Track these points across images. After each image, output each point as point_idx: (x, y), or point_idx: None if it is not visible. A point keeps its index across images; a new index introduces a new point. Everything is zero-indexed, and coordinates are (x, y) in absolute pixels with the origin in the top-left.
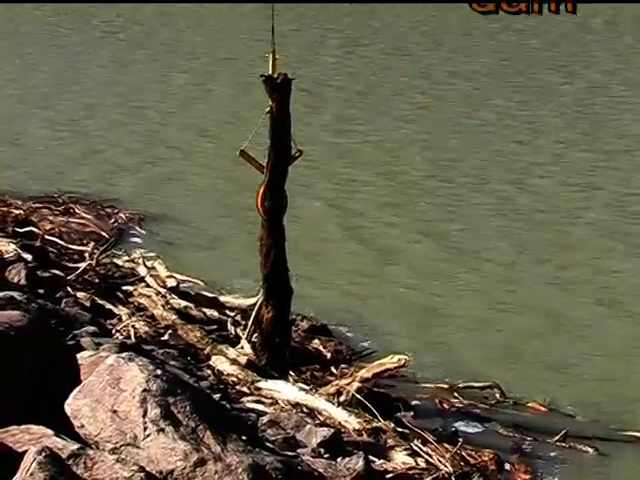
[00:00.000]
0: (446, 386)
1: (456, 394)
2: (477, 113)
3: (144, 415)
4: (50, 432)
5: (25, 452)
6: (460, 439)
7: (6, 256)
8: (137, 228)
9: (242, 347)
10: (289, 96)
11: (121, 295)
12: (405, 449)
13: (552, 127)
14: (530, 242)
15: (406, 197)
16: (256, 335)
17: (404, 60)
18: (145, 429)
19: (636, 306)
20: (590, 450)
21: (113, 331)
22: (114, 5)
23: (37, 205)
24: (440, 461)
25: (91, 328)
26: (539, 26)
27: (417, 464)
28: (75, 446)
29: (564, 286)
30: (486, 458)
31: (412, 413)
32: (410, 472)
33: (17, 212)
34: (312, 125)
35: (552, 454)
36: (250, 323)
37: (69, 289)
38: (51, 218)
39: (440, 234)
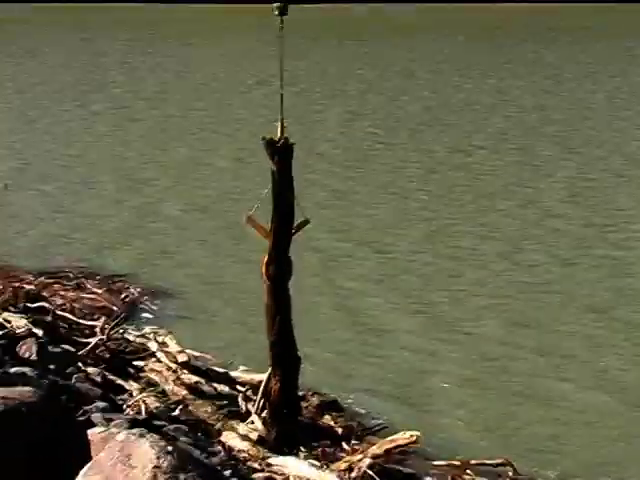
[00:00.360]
0: (458, 463)
1: (468, 471)
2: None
3: None
4: None
5: None
6: None
7: (18, 331)
8: (148, 303)
9: (253, 422)
10: (291, 160)
11: (132, 370)
12: None
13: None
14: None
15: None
16: (265, 409)
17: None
18: None
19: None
20: None
21: (124, 407)
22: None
23: (49, 280)
24: None
25: (102, 404)
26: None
27: None
28: None
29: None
30: None
31: None
32: None
33: (29, 287)
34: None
35: None
36: (259, 397)
37: (80, 364)
38: (62, 293)
39: (438, 311)
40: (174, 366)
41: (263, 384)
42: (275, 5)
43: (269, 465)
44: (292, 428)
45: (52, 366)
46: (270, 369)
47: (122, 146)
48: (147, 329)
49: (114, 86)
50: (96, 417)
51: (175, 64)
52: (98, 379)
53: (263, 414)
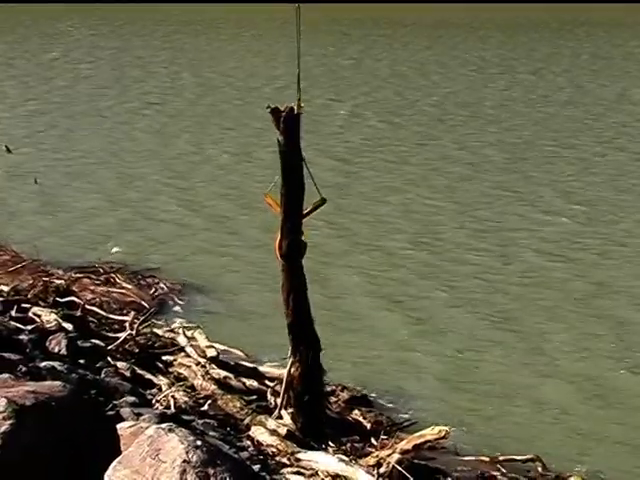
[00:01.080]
0: (487, 458)
1: (498, 466)
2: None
3: None
4: None
5: None
6: None
7: (47, 326)
8: (177, 298)
9: (282, 417)
10: (298, 130)
11: (161, 365)
12: None
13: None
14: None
15: (443, 267)
16: (291, 402)
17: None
18: None
19: None
20: None
21: (153, 401)
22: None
23: (78, 275)
24: None
25: (131, 398)
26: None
27: None
28: None
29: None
30: None
31: None
32: None
33: (58, 282)
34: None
35: None
36: (283, 389)
37: (109, 359)
38: (92, 288)
39: (480, 304)
40: (203, 361)
41: (285, 374)
42: None
43: (298, 460)
44: (318, 418)
45: (81, 360)
46: (290, 355)
47: (164, 143)
48: (176, 324)
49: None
50: (125, 411)
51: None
52: (127, 374)
53: (290, 408)
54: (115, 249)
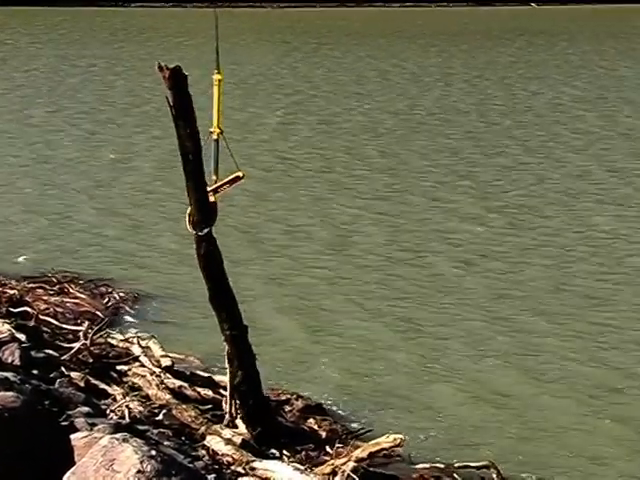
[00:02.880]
0: (442, 465)
1: (453, 474)
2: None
3: None
4: None
5: None
6: None
7: (0, 336)
8: (131, 307)
9: (237, 427)
10: (186, 87)
11: (115, 375)
12: None
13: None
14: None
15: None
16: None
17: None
18: None
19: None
20: None
21: (107, 411)
22: None
23: (31, 285)
24: None
25: (85, 408)
26: None
27: None
28: None
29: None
30: None
31: None
32: None
33: (11, 292)
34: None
35: None
36: (228, 396)
37: (63, 369)
38: (45, 298)
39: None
40: (157, 370)
41: (229, 379)
42: None
43: (253, 469)
44: (267, 426)
45: (35, 371)
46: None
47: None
48: (130, 333)
49: None
50: (79, 422)
51: None
52: (81, 384)
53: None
54: (21, 258)
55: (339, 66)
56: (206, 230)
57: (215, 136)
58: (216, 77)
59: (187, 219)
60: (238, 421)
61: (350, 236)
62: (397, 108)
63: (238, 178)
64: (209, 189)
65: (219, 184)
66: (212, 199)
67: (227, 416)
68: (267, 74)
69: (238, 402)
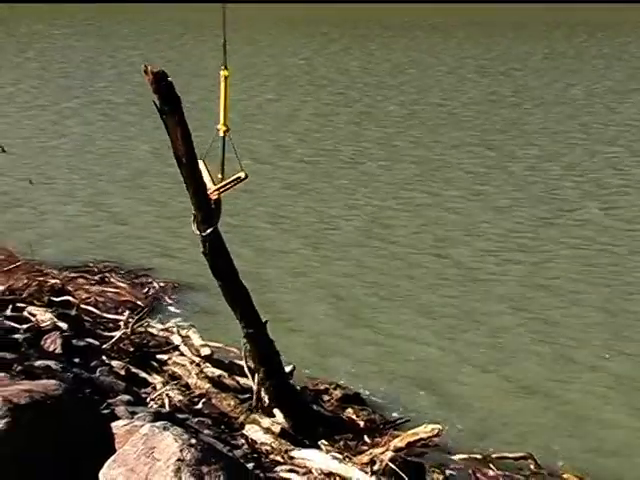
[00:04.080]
0: (479, 456)
1: (490, 464)
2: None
3: None
4: None
5: None
6: None
7: (42, 325)
8: (170, 296)
9: (274, 415)
10: (172, 91)
11: (155, 364)
12: None
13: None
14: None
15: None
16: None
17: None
18: None
19: None
20: None
21: (147, 400)
22: None
23: (73, 275)
24: None
25: (125, 397)
26: None
27: None
28: None
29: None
30: None
31: None
32: None
33: (53, 282)
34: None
35: None
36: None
37: (104, 357)
38: (87, 287)
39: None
40: (197, 359)
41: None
42: None
43: (291, 458)
44: (303, 416)
45: (76, 359)
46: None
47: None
48: (170, 323)
49: None
50: (120, 410)
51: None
52: (122, 372)
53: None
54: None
55: (376, 57)
56: (209, 230)
57: (222, 133)
58: (223, 73)
59: (193, 220)
60: (276, 410)
61: (380, 226)
62: (431, 100)
63: (240, 179)
64: (213, 189)
65: (220, 185)
66: (215, 196)
67: (254, 404)
68: (301, 65)
69: (266, 395)
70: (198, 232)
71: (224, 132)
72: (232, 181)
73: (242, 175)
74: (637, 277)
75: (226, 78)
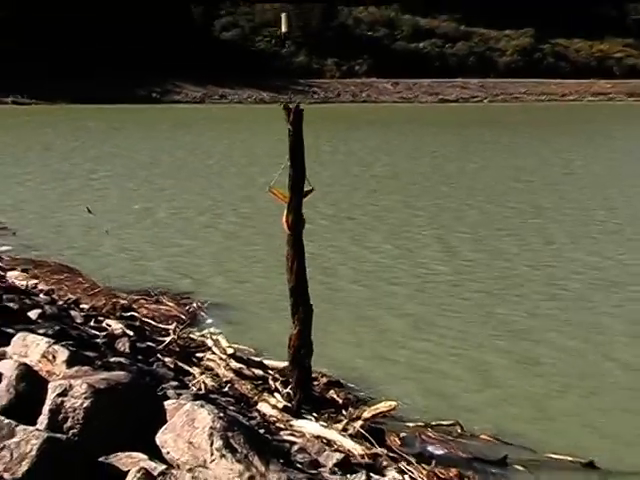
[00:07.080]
0: (423, 424)
1: (430, 429)
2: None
3: (211, 445)
4: (145, 457)
5: (128, 472)
6: (433, 461)
7: (115, 332)
8: (205, 312)
9: (280, 397)
10: (301, 122)
11: (195, 360)
12: (395, 468)
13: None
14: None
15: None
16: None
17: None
18: (212, 455)
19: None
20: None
21: (189, 385)
22: None
23: (136, 297)
24: (420, 477)
25: (174, 383)
26: None
27: (404, 479)
28: (163, 467)
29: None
30: (452, 474)
31: (399, 443)
32: None
33: (123, 302)
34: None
35: (498, 471)
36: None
37: (159, 355)
38: (146, 306)
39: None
40: (224, 356)
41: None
42: None
43: (291, 426)
44: (308, 390)
45: (140, 357)
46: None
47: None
48: (205, 331)
49: None
50: (170, 393)
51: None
52: (171, 366)
53: (287, 389)
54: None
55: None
56: (301, 230)
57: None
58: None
59: (283, 222)
60: (278, 394)
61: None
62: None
63: (311, 191)
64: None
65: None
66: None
67: (279, 388)
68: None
69: (297, 373)
70: (289, 232)
71: None
72: (306, 193)
73: (311, 189)
74: None
75: None
